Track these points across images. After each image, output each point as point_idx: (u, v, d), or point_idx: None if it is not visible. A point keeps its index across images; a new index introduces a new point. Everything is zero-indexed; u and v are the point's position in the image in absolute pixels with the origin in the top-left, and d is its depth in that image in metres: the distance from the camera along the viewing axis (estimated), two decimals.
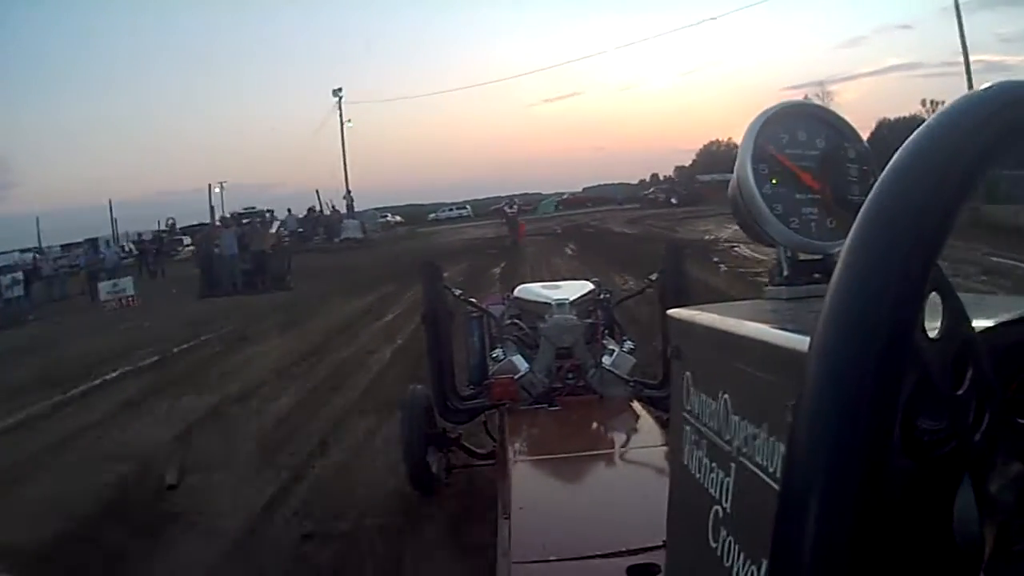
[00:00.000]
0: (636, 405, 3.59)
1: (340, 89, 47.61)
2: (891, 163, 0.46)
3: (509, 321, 4.34)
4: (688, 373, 0.91)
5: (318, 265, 23.97)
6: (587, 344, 4.02)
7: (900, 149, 0.47)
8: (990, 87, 0.47)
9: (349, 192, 43.97)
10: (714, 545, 0.79)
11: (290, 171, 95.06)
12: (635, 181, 78.48)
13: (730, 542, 0.76)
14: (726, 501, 0.77)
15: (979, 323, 0.53)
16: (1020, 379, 0.53)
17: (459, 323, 4.44)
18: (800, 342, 0.59)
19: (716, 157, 70.80)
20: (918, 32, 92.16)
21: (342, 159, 46.66)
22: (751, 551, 0.71)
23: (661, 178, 76.01)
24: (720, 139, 78.38)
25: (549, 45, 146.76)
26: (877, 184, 0.46)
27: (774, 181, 0.97)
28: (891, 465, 0.43)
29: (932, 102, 54.86)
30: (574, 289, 4.30)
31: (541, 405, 3.77)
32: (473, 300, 4.55)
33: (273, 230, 20.67)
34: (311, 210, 39.13)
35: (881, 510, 0.42)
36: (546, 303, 4.09)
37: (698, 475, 0.86)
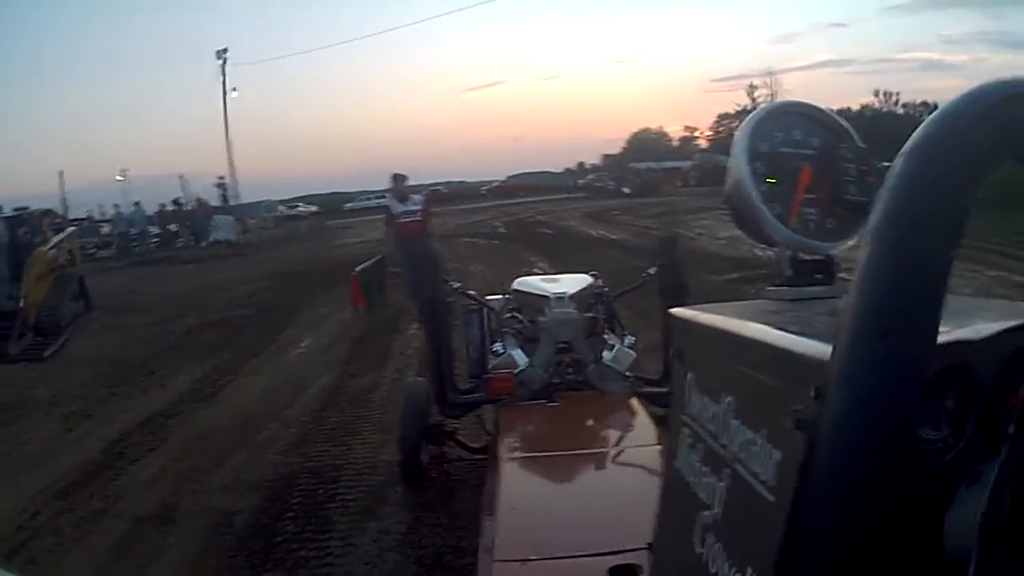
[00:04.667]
0: (634, 402, 3.58)
1: (225, 50, 38.03)
2: (892, 175, 0.48)
3: (508, 315, 4.36)
4: (690, 374, 0.90)
5: (153, 294, 15.79)
6: (587, 338, 4.01)
7: (901, 155, 0.48)
8: (988, 84, 0.48)
9: (222, 179, 34.21)
10: (700, 551, 0.78)
11: (192, 158, 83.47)
12: (559, 169, 77.82)
13: (717, 548, 0.75)
14: (716, 507, 0.77)
15: (984, 329, 0.60)
16: (1022, 387, 0.53)
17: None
18: (807, 346, 0.61)
19: (646, 145, 70.98)
20: (853, 30, 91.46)
21: (225, 136, 36.84)
22: (737, 558, 0.70)
23: (588, 166, 75.54)
24: (650, 127, 78.53)
25: (472, 33, 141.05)
26: (884, 195, 0.48)
27: (770, 180, 0.92)
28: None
29: (885, 93, 51.49)
30: (573, 283, 4.34)
31: (539, 400, 3.77)
32: (472, 293, 4.73)
33: (50, 246, 12.15)
34: (175, 203, 29.81)
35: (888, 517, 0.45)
36: (545, 296, 4.10)
37: (690, 479, 0.85)
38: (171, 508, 4.69)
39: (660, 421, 3.21)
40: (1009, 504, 0.49)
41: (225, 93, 37.90)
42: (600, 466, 3.07)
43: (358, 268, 10.57)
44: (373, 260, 10.89)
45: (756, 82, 59.94)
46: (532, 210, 33.91)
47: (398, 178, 10.12)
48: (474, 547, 2.79)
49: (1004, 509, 0.49)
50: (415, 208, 9.86)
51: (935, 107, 0.49)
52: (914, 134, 0.49)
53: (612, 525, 2.21)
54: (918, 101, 51.18)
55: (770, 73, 74.20)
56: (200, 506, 4.68)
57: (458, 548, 3.79)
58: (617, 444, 3.32)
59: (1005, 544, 0.49)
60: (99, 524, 4.57)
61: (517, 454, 3.17)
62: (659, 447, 2.84)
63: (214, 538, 4.25)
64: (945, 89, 60.93)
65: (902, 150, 0.49)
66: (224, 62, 38.01)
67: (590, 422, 3.65)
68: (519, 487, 2.81)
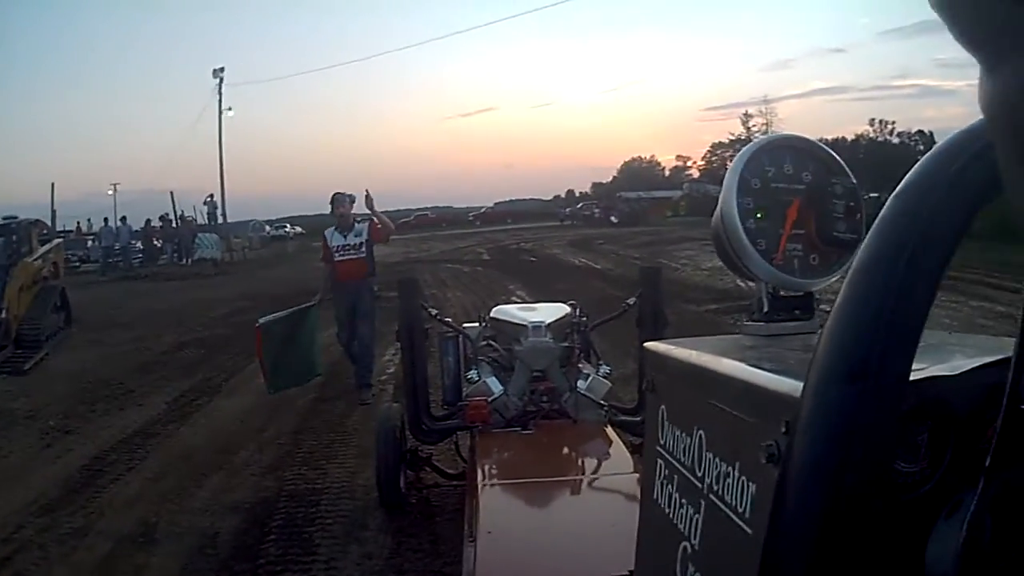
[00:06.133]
0: (609, 430, 3.63)
1: (222, 69, 38.09)
2: (882, 216, 0.48)
3: (484, 342, 4.50)
4: (663, 407, 0.91)
5: (134, 310, 15.79)
6: (562, 367, 4.09)
7: (894, 196, 0.48)
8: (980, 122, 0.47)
9: (211, 197, 34.02)
10: None
11: (183, 175, 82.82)
12: (549, 197, 79.10)
13: None
14: (695, 538, 0.77)
15: (960, 365, 0.61)
16: (997, 421, 0.51)
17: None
18: (778, 383, 0.62)
19: (637, 174, 72.43)
20: (849, 56, 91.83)
21: (218, 155, 36.52)
22: None
23: (577, 194, 76.90)
24: (642, 156, 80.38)
25: (465, 59, 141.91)
26: (872, 236, 0.48)
27: (759, 216, 0.93)
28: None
29: (881, 121, 52.01)
30: (551, 312, 4.38)
31: (514, 428, 3.82)
32: (448, 320, 4.80)
33: (35, 257, 12.15)
34: (162, 219, 29.77)
35: (863, 553, 0.45)
36: (522, 325, 4.12)
37: (668, 510, 0.86)
38: (153, 527, 4.70)
39: (636, 449, 3.26)
40: (989, 536, 0.49)
41: (221, 112, 37.74)
42: (577, 493, 3.14)
43: (263, 321, 6.16)
44: (288, 312, 6.43)
45: (751, 111, 60.72)
46: (517, 237, 33.95)
47: (339, 201, 7.27)
48: (457, 572, 2.91)
49: (984, 540, 0.49)
50: (358, 241, 7.19)
51: (930, 136, 0.51)
52: (907, 175, 0.49)
53: (593, 552, 2.24)
54: (913, 130, 51.78)
55: (765, 101, 74.77)
56: (181, 526, 4.71)
57: (443, 574, 3.80)
58: (594, 472, 3.37)
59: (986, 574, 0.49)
60: (81, 541, 4.59)
61: (495, 481, 3.22)
62: (635, 475, 2.86)
63: (197, 559, 4.27)
64: (942, 117, 61.33)
65: (895, 191, 0.48)
66: (221, 81, 37.95)
67: (566, 450, 3.71)
68: (498, 513, 2.84)
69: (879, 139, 53.32)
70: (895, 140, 52.50)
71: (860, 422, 0.45)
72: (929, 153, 0.49)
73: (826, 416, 0.46)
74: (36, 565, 4.34)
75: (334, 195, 7.31)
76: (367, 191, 7.05)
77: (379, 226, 7.22)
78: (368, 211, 7.18)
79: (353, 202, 7.32)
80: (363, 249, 7.21)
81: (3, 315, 10.55)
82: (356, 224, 7.27)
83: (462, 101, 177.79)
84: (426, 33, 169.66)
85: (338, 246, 7.21)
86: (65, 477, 5.70)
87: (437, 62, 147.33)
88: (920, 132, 50.06)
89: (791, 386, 0.58)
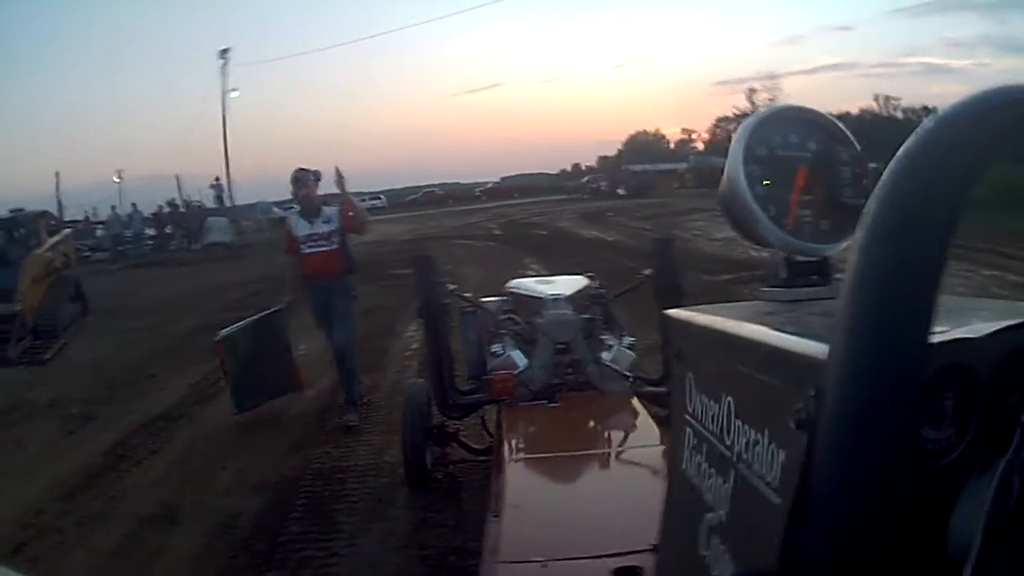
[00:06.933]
0: (635, 402, 3.59)
1: (227, 50, 37.89)
2: (887, 176, 0.48)
3: (505, 316, 4.35)
4: (690, 374, 0.90)
5: (148, 297, 15.82)
6: (585, 339, 4.02)
7: (897, 156, 0.48)
8: (984, 91, 0.48)
9: (217, 180, 34.11)
10: (704, 553, 0.78)
11: (188, 159, 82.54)
12: (555, 171, 79.21)
13: (721, 551, 0.74)
14: (721, 509, 0.76)
15: (981, 328, 0.59)
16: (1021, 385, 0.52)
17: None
18: (806, 346, 0.61)
19: (643, 147, 71.95)
20: (857, 33, 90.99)
21: (223, 137, 36.41)
22: (741, 561, 0.69)
23: (583, 168, 76.63)
24: (647, 130, 79.68)
25: (471, 35, 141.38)
26: (878, 196, 0.48)
27: (766, 183, 0.91)
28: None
29: (886, 98, 51.64)
30: (568, 284, 4.36)
31: (540, 401, 3.78)
32: (467, 295, 4.73)
33: (45, 249, 12.13)
34: (170, 204, 29.82)
35: (889, 519, 0.44)
36: (541, 298, 4.12)
37: (695, 480, 0.84)
38: (174, 509, 4.70)
39: (662, 421, 3.20)
40: (1016, 497, 0.48)
41: (225, 93, 37.66)
42: (604, 467, 3.07)
43: (223, 333, 6.12)
44: (252, 320, 6.28)
45: (756, 86, 60.51)
46: (526, 212, 33.81)
47: (301, 180, 5.93)
48: (478, 548, 2.77)
49: (1010, 502, 0.48)
50: (327, 229, 5.89)
51: (934, 112, 0.49)
52: (911, 137, 0.49)
53: (616, 526, 2.22)
54: (918, 106, 51.52)
55: (771, 77, 74.90)
56: (203, 507, 4.69)
57: (464, 550, 3.74)
58: (620, 444, 3.31)
59: (1006, 539, 0.48)
60: (103, 525, 4.59)
61: (521, 455, 3.17)
62: (662, 447, 2.83)
63: (217, 539, 4.26)
64: (947, 95, 61.01)
65: (899, 152, 0.48)
66: (226, 62, 37.80)
67: (592, 422, 3.64)
68: (524, 488, 2.80)
69: (883, 114, 53.00)
70: (899, 115, 52.22)
71: (890, 377, 0.45)
72: (930, 118, 0.50)
73: (855, 373, 0.46)
74: (53, 549, 4.33)
75: (295, 172, 5.96)
76: (337, 168, 5.87)
77: (351, 212, 5.98)
78: (338, 192, 6.08)
79: (319, 180, 6.00)
80: (334, 239, 5.91)
81: (18, 307, 10.58)
82: (324, 208, 5.97)
83: (470, 78, 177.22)
84: (433, 11, 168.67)
85: (304, 235, 5.91)
86: (87, 463, 5.70)
87: (444, 39, 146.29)
88: (924, 108, 49.58)
89: (819, 349, 0.57)
